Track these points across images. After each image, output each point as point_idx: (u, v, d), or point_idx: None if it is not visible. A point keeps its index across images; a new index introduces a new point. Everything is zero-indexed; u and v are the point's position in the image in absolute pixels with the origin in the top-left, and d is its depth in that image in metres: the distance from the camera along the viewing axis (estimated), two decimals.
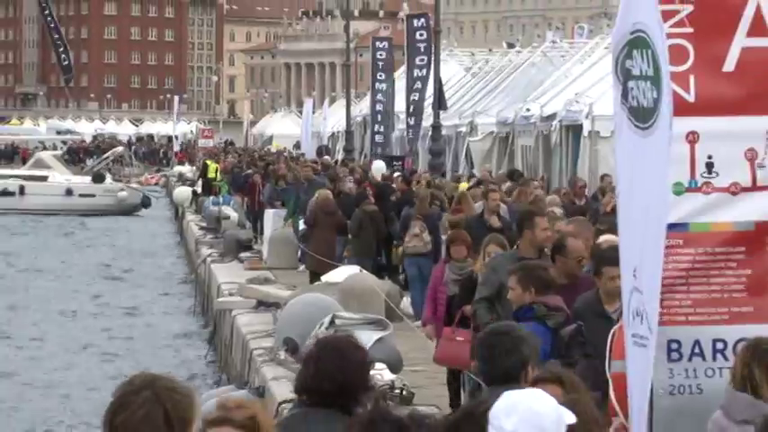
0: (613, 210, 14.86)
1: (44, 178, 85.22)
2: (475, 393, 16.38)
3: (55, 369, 33.48)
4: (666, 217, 8.49)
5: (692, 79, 8.74)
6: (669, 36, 8.70)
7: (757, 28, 8.83)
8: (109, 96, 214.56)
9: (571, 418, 6.71)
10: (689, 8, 8.75)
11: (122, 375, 31.88)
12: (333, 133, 79.62)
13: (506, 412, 6.19)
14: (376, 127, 60.60)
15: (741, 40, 8.86)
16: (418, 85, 52.33)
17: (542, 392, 6.74)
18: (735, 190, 8.84)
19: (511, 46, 74.75)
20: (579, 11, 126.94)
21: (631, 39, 8.73)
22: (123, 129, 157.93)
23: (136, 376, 6.30)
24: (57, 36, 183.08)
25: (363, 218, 31.54)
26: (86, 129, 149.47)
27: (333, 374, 8.37)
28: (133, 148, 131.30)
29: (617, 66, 8.89)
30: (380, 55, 62.07)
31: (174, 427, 5.91)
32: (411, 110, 53.09)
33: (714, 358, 8.80)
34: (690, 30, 8.74)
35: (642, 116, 8.59)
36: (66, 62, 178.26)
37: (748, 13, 8.85)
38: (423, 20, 56.03)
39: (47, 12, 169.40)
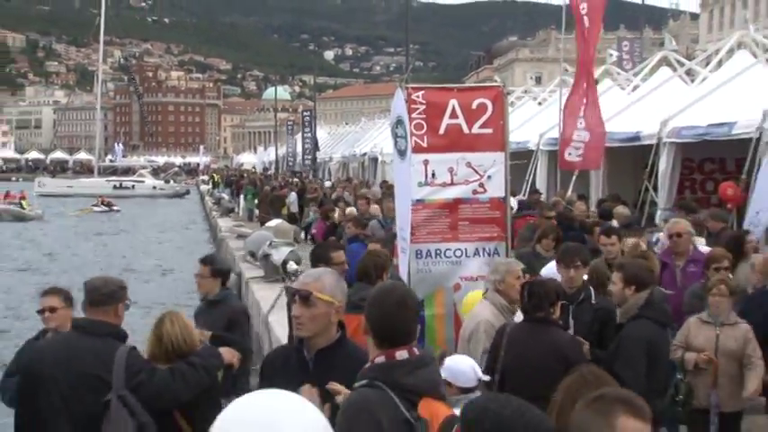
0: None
1: (143, 181, 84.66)
2: None
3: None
4: (410, 197, 8.61)
5: (425, 137, 8.73)
6: (416, 118, 8.75)
7: (452, 115, 8.81)
8: (171, 145, 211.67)
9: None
10: (423, 106, 8.74)
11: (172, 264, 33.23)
12: (270, 161, 79.04)
13: None
14: (288, 159, 60.47)
15: (446, 120, 8.81)
16: (307, 140, 51.94)
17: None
18: (443, 185, 8.82)
19: (346, 124, 74.55)
20: (380, 108, 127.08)
21: (396, 121, 8.75)
22: (177, 160, 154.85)
23: None
24: (147, 118, 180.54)
25: (274, 198, 31.23)
26: (160, 160, 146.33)
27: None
28: (182, 168, 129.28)
29: (392, 132, 8.86)
30: (290, 127, 62.07)
31: None
32: (304, 151, 52.77)
33: (435, 257, 8.77)
34: (424, 115, 8.73)
35: (401, 153, 8.62)
36: (149, 131, 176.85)
37: (449, 108, 8.83)
38: (308, 112, 55.70)
39: (143, 108, 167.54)
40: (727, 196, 14.67)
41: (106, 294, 5.31)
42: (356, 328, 5.08)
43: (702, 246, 9.81)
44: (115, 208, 60.43)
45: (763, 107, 14.34)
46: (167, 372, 5.14)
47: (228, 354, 5.58)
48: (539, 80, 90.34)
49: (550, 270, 7.90)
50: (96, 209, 59.89)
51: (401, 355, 3.74)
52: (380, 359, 3.73)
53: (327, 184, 38.06)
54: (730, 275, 8.23)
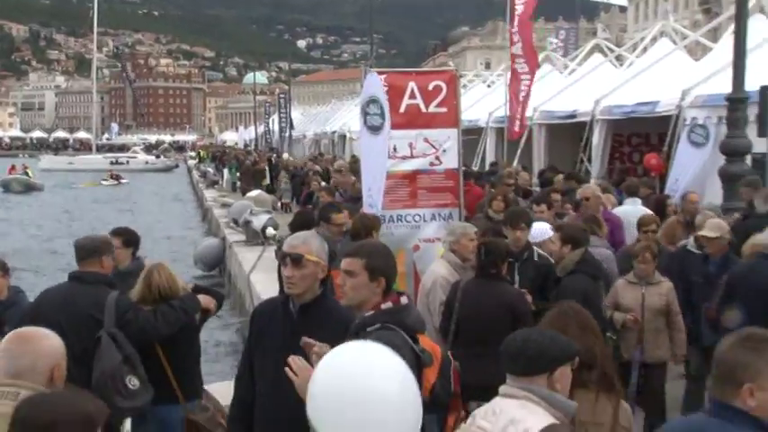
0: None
1: (136, 157, 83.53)
2: None
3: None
4: (385, 167, 8.52)
5: (389, 116, 8.68)
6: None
7: (411, 95, 8.78)
8: (161, 124, 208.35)
9: None
10: (386, 88, 8.62)
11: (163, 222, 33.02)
12: (250, 139, 78.15)
13: None
14: (266, 136, 60.04)
15: (406, 100, 8.77)
16: (283, 120, 51.46)
17: None
18: (403, 158, 8.79)
19: (318, 105, 73.96)
20: (348, 90, 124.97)
21: (368, 100, 8.67)
22: (167, 138, 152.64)
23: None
24: (139, 101, 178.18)
25: (255, 172, 30.97)
26: (152, 138, 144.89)
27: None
28: (171, 145, 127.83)
29: (362, 111, 8.78)
30: (268, 108, 61.61)
31: None
32: (280, 129, 52.30)
33: (397, 222, 8.75)
34: (386, 96, 8.58)
35: (373, 129, 8.54)
36: (141, 112, 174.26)
37: (408, 90, 8.79)
38: (284, 94, 55.25)
39: (135, 91, 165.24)
40: (650, 165, 14.81)
41: (89, 250, 5.53)
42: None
43: (640, 206, 9.94)
44: (123, 181, 59.85)
45: (682, 88, 14.46)
46: (150, 312, 5.38)
47: (206, 300, 5.72)
48: (488, 65, 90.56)
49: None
50: (105, 182, 59.32)
51: (403, 300, 3.88)
52: (387, 305, 3.82)
53: (286, 156, 37.75)
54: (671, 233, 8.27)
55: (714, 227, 7.39)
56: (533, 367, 3.21)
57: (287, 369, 3.66)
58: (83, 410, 2.61)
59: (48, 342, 3.32)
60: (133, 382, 5.07)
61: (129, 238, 6.73)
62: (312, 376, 2.62)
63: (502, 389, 3.29)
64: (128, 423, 5.24)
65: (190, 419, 5.28)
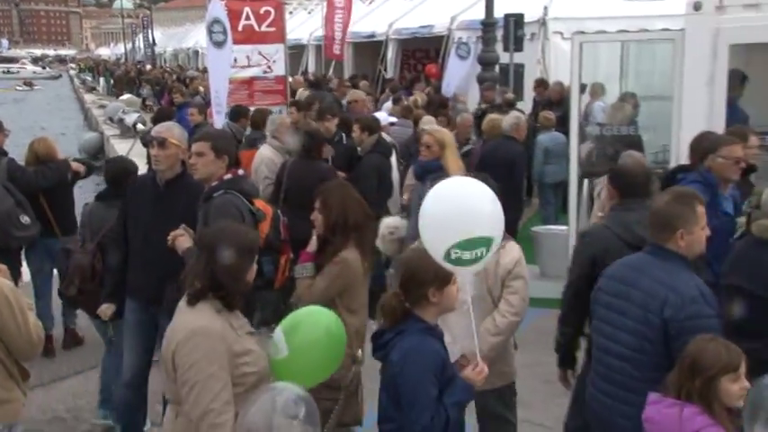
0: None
1: (25, 68, 76.45)
2: None
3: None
4: (227, 77, 8.22)
5: (230, 33, 8.33)
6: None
7: (247, 18, 8.53)
8: (45, 41, 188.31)
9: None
10: (226, 11, 8.32)
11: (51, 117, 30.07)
12: (120, 54, 72.27)
13: None
14: (133, 52, 55.70)
15: (242, 21, 8.52)
16: (146, 39, 47.60)
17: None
18: (242, 67, 8.57)
19: (176, 26, 68.82)
20: (198, 16, 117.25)
21: (212, 21, 8.28)
22: (50, 52, 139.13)
23: None
24: (24, 21, 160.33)
25: (128, 80, 28.76)
26: (38, 52, 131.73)
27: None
28: (55, 58, 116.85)
29: (208, 30, 8.35)
30: (134, 29, 57.06)
31: None
32: (145, 46, 48.43)
33: None
34: (228, 18, 8.28)
35: (218, 44, 8.20)
36: (26, 30, 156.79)
37: (244, 13, 8.50)
38: (147, 18, 51.10)
39: (21, 13, 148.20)
40: (431, 73, 15.11)
41: None
42: (248, 160, 5.95)
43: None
44: (36, 87, 54.88)
45: (451, 15, 14.72)
46: (32, 171, 5.68)
47: (75, 165, 5.93)
48: None
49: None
50: (19, 88, 54.58)
51: (240, 172, 3.94)
52: (228, 176, 3.84)
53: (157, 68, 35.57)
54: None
55: (428, 122, 7.47)
56: None
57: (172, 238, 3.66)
58: (251, 239, 2.66)
59: None
60: (25, 219, 5.32)
61: None
62: (424, 201, 2.59)
63: None
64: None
65: (64, 249, 5.24)
